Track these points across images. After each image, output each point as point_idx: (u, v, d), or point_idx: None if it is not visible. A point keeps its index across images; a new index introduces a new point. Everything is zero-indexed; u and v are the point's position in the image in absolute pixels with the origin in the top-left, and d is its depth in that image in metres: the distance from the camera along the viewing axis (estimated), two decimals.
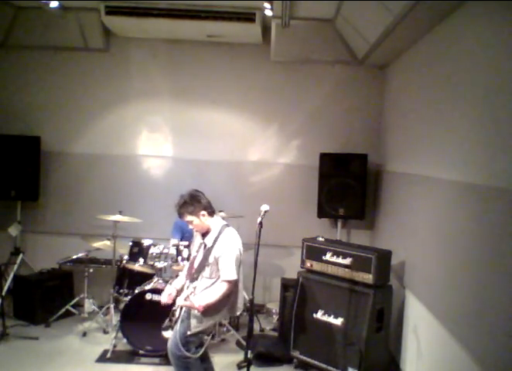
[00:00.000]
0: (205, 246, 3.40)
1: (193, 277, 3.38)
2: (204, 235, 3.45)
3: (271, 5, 4.47)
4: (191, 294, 3.25)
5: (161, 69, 5.74)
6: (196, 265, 3.42)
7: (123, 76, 5.73)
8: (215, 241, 3.34)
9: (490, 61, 2.76)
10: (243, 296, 3.53)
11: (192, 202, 3.38)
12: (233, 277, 3.25)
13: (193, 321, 3.27)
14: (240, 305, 3.45)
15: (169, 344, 3.36)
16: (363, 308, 3.89)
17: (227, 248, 3.30)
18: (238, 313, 3.53)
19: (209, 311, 3.25)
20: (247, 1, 4.75)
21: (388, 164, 5.18)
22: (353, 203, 5.30)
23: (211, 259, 3.31)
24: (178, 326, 3.32)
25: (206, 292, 3.29)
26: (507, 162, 2.46)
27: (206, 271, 3.33)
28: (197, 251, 3.50)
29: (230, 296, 3.33)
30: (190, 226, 3.48)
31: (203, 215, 3.38)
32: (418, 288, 3.87)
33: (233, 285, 3.30)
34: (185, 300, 3.25)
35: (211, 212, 3.43)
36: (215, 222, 3.43)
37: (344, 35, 5.15)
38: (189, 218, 3.39)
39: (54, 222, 5.75)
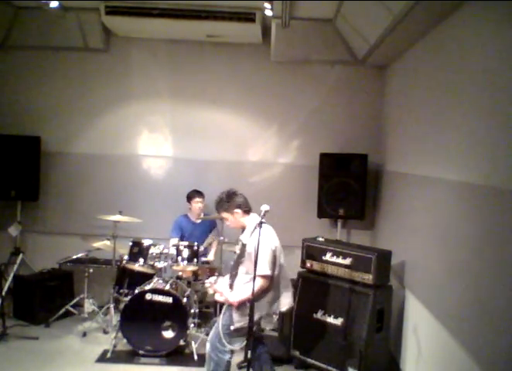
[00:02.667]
0: (242, 243, 3.50)
1: (232, 273, 3.51)
2: (242, 232, 3.56)
3: (271, 5, 4.46)
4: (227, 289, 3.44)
5: (161, 69, 5.75)
6: (234, 262, 3.56)
7: (123, 76, 5.74)
8: (250, 238, 3.42)
9: (490, 61, 2.76)
10: (289, 293, 3.56)
11: (228, 199, 3.55)
12: (266, 272, 3.30)
13: (235, 316, 3.35)
14: (285, 300, 3.50)
15: (211, 335, 3.53)
16: (363, 308, 3.89)
17: (259, 244, 3.34)
18: (284, 309, 3.52)
19: (247, 306, 3.29)
20: (247, 1, 4.75)
21: (388, 164, 5.18)
22: (353, 203, 5.30)
23: (246, 255, 3.40)
24: (220, 318, 3.46)
25: (243, 288, 3.36)
26: (508, 162, 2.46)
27: (243, 267, 3.43)
28: (239, 249, 3.60)
29: (268, 291, 3.37)
30: (227, 223, 3.63)
31: (237, 213, 3.52)
32: (418, 288, 3.87)
33: (269, 280, 3.34)
34: (221, 296, 3.46)
35: (246, 211, 3.56)
36: (250, 220, 3.52)
37: (344, 35, 5.15)
38: (224, 214, 3.59)
39: (54, 223, 5.76)
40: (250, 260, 3.35)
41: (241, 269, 3.46)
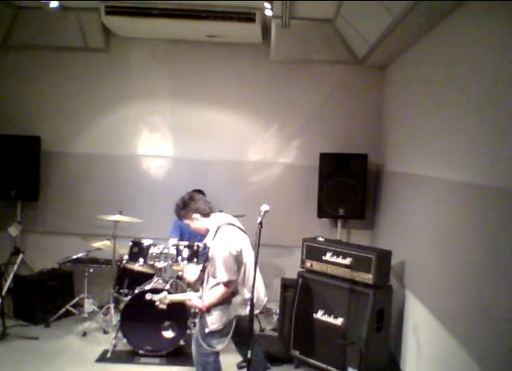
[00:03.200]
0: (208, 246, 3.44)
1: (202, 277, 3.46)
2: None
3: (271, 5, 4.47)
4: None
5: (161, 69, 5.74)
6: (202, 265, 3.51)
7: (123, 76, 5.73)
8: (212, 241, 3.37)
9: (491, 61, 2.76)
10: (261, 291, 3.50)
11: (184, 205, 3.47)
12: (224, 278, 3.24)
13: (209, 318, 3.32)
14: (258, 302, 3.41)
15: (193, 339, 3.48)
16: (363, 308, 3.89)
17: (217, 249, 3.30)
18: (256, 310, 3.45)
19: (219, 307, 3.29)
20: (247, 1, 4.74)
21: (388, 164, 5.18)
22: (353, 203, 5.30)
23: (210, 259, 3.34)
24: (197, 322, 3.45)
25: (210, 292, 3.34)
26: (508, 162, 2.46)
27: (210, 271, 3.37)
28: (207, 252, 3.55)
29: (238, 293, 3.32)
30: (191, 229, 3.58)
31: (196, 218, 3.46)
32: (418, 288, 3.87)
33: (232, 284, 3.28)
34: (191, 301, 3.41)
35: (206, 214, 3.47)
36: (212, 223, 3.45)
37: (344, 35, 5.15)
38: (185, 221, 3.54)
39: (54, 223, 5.75)
40: (213, 264, 3.30)
41: (208, 272, 3.39)
